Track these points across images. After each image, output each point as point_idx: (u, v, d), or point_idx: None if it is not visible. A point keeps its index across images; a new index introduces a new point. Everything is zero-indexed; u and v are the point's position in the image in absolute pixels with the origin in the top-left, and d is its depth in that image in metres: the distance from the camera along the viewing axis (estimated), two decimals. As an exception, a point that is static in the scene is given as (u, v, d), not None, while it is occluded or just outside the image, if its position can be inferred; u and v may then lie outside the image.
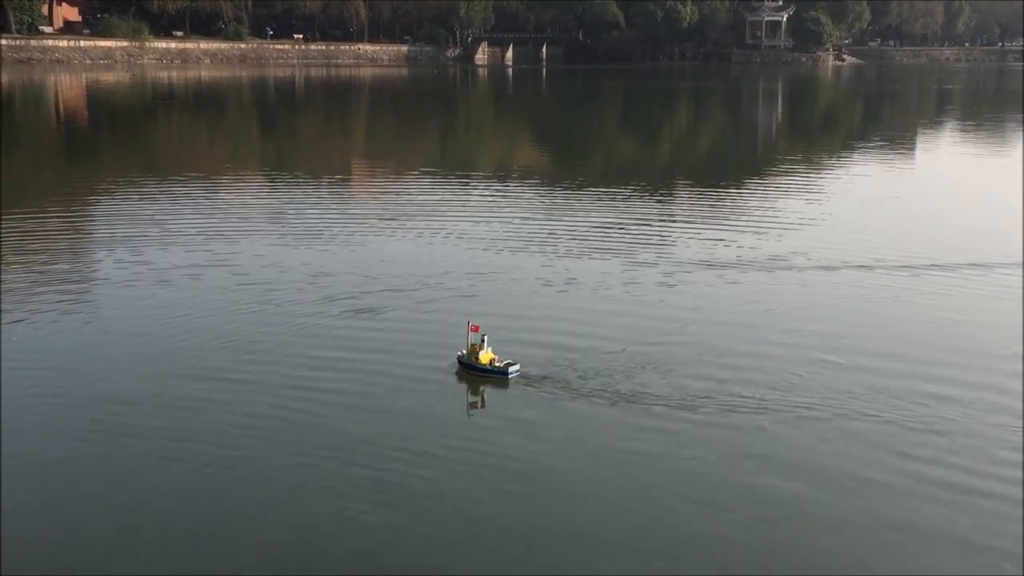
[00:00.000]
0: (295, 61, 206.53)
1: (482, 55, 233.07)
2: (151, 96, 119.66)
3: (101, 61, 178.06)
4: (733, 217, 38.98)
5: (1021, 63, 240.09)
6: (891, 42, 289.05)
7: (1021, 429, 17.52)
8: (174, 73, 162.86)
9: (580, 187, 46.91)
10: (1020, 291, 26.94)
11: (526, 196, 45.03)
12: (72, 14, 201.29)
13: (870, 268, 29.59)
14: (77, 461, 16.43)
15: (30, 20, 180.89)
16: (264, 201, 43.14)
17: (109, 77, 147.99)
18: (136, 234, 34.24)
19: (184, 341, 22.29)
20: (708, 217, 38.94)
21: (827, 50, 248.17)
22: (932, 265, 29.94)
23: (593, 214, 38.91)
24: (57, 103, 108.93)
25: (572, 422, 17.95)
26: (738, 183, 50.92)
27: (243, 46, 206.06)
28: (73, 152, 66.96)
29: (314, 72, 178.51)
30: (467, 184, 48.71)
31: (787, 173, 53.99)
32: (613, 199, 43.03)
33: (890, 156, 65.09)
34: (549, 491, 15.43)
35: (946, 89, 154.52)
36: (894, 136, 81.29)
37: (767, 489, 15.42)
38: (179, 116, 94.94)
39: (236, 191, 46.12)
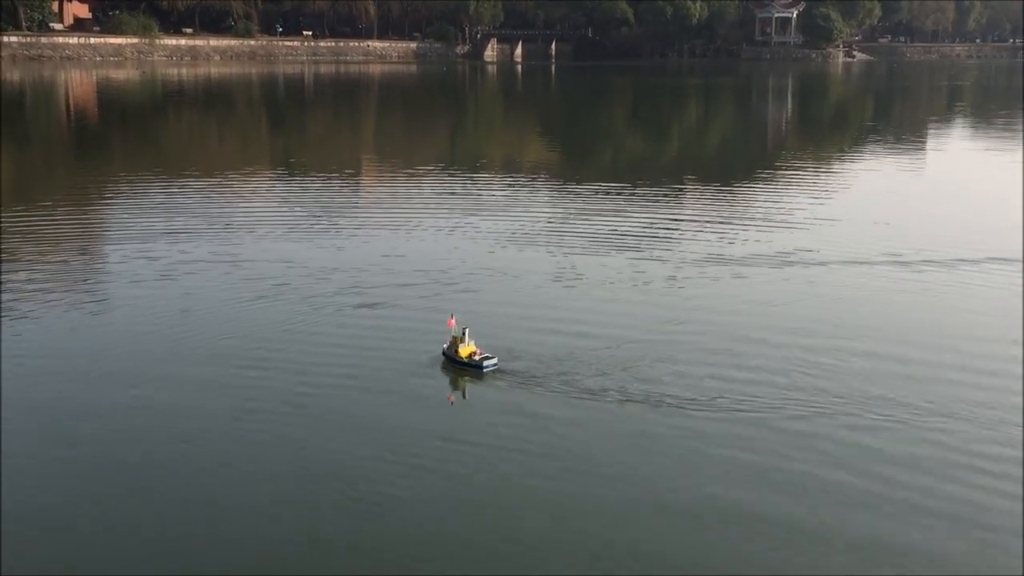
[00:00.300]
0: (304, 58, 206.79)
1: (491, 52, 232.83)
2: (161, 93, 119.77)
3: (111, 58, 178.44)
4: (742, 214, 38.80)
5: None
6: (902, 38, 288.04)
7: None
8: (184, 70, 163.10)
9: (589, 184, 46.78)
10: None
11: (535, 192, 44.98)
12: (82, 11, 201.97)
13: (880, 265, 29.41)
14: (79, 458, 16.38)
15: (41, 17, 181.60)
16: (274, 197, 43.24)
17: (119, 74, 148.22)
18: (145, 230, 34.29)
19: (189, 336, 22.27)
20: (717, 214, 38.77)
21: (837, 47, 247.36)
22: (950, 260, 29.82)
23: (603, 210, 38.79)
24: (67, 100, 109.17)
25: (570, 419, 17.79)
26: (747, 180, 50.70)
27: (252, 43, 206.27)
28: (83, 149, 67.12)
29: (323, 69, 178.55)
30: (476, 180, 48.65)
31: (797, 170, 53.75)
32: (622, 196, 42.91)
33: (900, 153, 64.78)
34: (550, 491, 15.30)
35: (957, 86, 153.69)
36: (904, 133, 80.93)
37: (769, 490, 15.29)
38: (189, 113, 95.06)
39: (245, 187, 46.16)
